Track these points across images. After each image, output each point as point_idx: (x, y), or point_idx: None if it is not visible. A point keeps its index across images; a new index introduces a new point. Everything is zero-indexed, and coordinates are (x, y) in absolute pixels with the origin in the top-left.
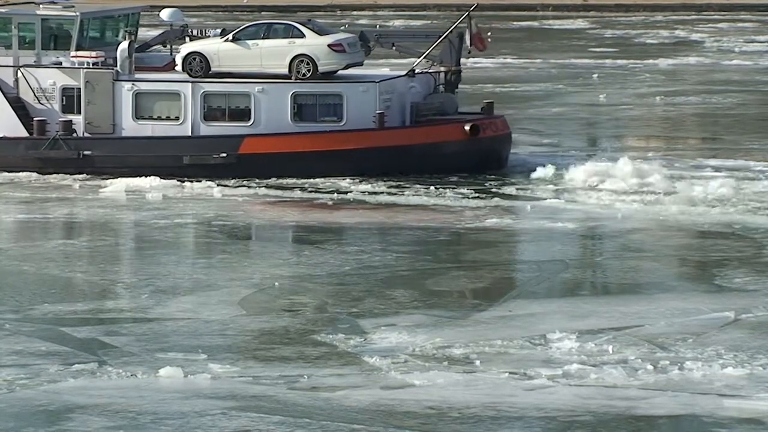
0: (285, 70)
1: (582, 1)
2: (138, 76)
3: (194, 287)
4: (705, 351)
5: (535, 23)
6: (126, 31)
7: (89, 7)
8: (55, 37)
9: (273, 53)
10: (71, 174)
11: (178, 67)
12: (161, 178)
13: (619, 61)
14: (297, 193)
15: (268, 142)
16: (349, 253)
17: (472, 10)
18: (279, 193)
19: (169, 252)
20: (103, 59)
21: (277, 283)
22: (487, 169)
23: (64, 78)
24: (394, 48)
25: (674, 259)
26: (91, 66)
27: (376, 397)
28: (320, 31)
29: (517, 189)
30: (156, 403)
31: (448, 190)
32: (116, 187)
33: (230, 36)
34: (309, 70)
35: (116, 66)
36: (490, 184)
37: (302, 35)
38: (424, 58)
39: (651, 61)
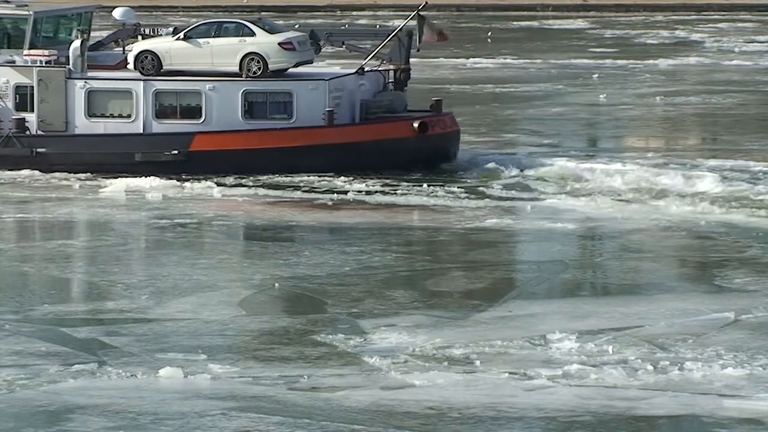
0: (236, 68)
1: (582, 1)
2: (90, 74)
3: (194, 287)
4: (705, 351)
5: (535, 23)
6: (79, 30)
7: (42, 6)
8: (9, 36)
9: (224, 51)
10: (25, 170)
11: (130, 66)
12: (136, 176)
13: (619, 62)
14: (297, 194)
15: (218, 139)
16: (349, 254)
17: (422, 9)
18: (279, 193)
19: (169, 252)
20: (56, 58)
21: (277, 284)
22: (436, 165)
23: (17, 76)
24: (344, 46)
25: (674, 259)
26: (44, 64)
27: (376, 398)
28: (271, 30)
29: (465, 185)
30: (156, 403)
31: (398, 187)
32: (116, 187)
33: (182, 35)
34: (259, 68)
35: (69, 64)
36: (443, 180)
37: (253, 34)
38: (374, 56)
39: (651, 61)
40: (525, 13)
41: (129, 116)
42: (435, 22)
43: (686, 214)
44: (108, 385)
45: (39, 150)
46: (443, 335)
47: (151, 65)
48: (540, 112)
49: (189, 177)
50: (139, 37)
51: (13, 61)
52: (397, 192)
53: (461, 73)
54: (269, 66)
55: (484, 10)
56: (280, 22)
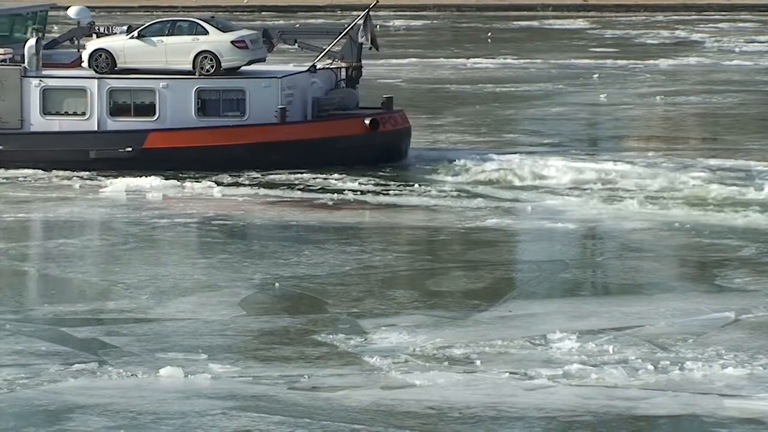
0: (189, 66)
1: (582, 1)
2: (45, 72)
3: (194, 287)
4: (705, 351)
5: (535, 23)
6: (34, 29)
7: None
8: None
9: (177, 50)
10: None
11: (85, 64)
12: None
13: (620, 61)
14: (297, 193)
15: (172, 136)
16: (349, 253)
17: (372, 7)
18: (279, 193)
19: (170, 252)
20: (11, 56)
21: (277, 284)
22: (387, 162)
23: None
24: (296, 44)
25: (674, 259)
26: None
27: (376, 397)
28: (223, 28)
29: (413, 182)
30: (156, 403)
31: (350, 182)
32: (116, 186)
33: (136, 33)
34: (212, 66)
35: (24, 63)
36: (391, 176)
37: (206, 32)
38: (326, 54)
39: (651, 61)
40: (525, 13)
41: (84, 114)
42: (376, 27)
43: (686, 213)
44: (108, 385)
45: None
46: (444, 335)
47: (105, 63)
48: (540, 112)
49: (142, 174)
50: (94, 36)
51: None
52: (402, 193)
53: (461, 73)
54: (222, 64)
55: (484, 10)
56: (281, 22)
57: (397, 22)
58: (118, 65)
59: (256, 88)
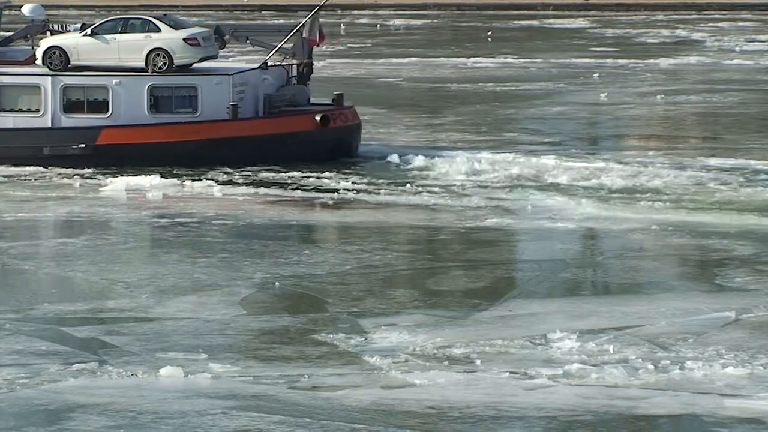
0: (142, 64)
1: (583, 1)
2: None
3: (195, 286)
4: (706, 351)
5: (536, 23)
6: None
7: None
8: None
9: (130, 47)
10: None
11: (39, 61)
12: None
13: (620, 61)
14: (297, 193)
15: (125, 133)
16: (349, 253)
17: (322, 6)
18: (279, 192)
19: (170, 251)
20: None
21: (277, 283)
22: (338, 157)
23: None
24: (248, 41)
25: (674, 258)
26: None
27: (376, 397)
28: (176, 26)
29: (362, 179)
30: (156, 402)
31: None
32: (116, 185)
33: (89, 31)
34: (165, 64)
35: None
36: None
37: (158, 30)
38: (277, 51)
39: (652, 60)
40: (525, 12)
41: (37, 111)
42: (321, 24)
43: (686, 213)
44: (108, 384)
45: None
46: (444, 334)
47: (59, 61)
48: (541, 111)
49: (96, 170)
50: (48, 33)
51: None
52: (402, 193)
53: (462, 72)
54: (174, 61)
55: (484, 9)
56: (281, 21)
57: (398, 22)
58: (72, 62)
59: (208, 85)
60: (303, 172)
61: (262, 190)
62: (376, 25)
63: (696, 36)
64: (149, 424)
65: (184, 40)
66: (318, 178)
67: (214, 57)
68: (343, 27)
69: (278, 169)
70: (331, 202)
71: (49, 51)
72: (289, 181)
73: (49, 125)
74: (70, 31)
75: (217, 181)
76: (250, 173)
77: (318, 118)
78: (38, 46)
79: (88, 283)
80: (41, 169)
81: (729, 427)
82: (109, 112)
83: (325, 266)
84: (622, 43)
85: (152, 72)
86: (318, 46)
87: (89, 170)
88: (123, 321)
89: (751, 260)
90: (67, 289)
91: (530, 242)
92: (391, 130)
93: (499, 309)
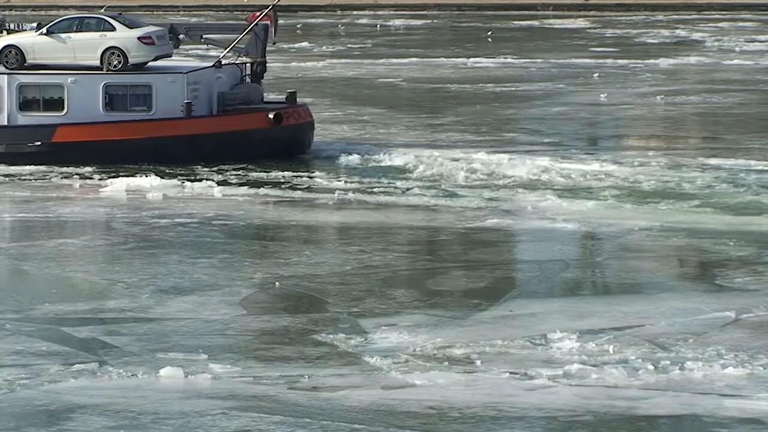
0: (97, 62)
1: (582, 1)
2: None
3: (195, 287)
4: (706, 351)
5: (536, 23)
6: None
7: None
8: None
9: (85, 46)
10: None
11: None
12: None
13: (620, 61)
14: (297, 193)
15: (80, 130)
16: (349, 253)
17: (277, 3)
18: (279, 192)
19: (170, 251)
20: None
21: (277, 283)
22: (291, 155)
23: None
24: (202, 40)
25: (674, 259)
26: None
27: (376, 397)
28: (130, 25)
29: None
30: (157, 403)
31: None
32: (116, 186)
33: (45, 30)
34: (120, 62)
35: None
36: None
37: (113, 28)
38: (231, 49)
39: (652, 60)
40: (525, 12)
41: None
42: (278, 23)
43: (686, 213)
44: (109, 385)
45: None
46: (444, 335)
47: (15, 59)
48: (541, 111)
49: (52, 168)
50: (4, 32)
51: None
52: (402, 193)
53: (462, 72)
54: (129, 60)
55: (484, 9)
56: (281, 21)
57: (398, 22)
58: (28, 61)
59: (162, 83)
60: (296, 173)
61: (262, 191)
62: (376, 26)
63: (696, 36)
64: (149, 425)
65: (138, 39)
66: (310, 177)
67: (168, 55)
68: (341, 27)
69: (274, 169)
70: (330, 203)
71: (5, 50)
72: (290, 182)
73: (6, 123)
74: (26, 30)
75: (216, 182)
76: (256, 174)
77: (271, 116)
78: None
79: (88, 283)
80: (42, 169)
81: (729, 428)
82: (65, 110)
83: (325, 266)
84: (621, 43)
85: (107, 70)
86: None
87: (45, 167)
88: (123, 321)
89: (751, 260)
90: (67, 289)
91: (530, 242)
92: (391, 130)
93: (499, 309)
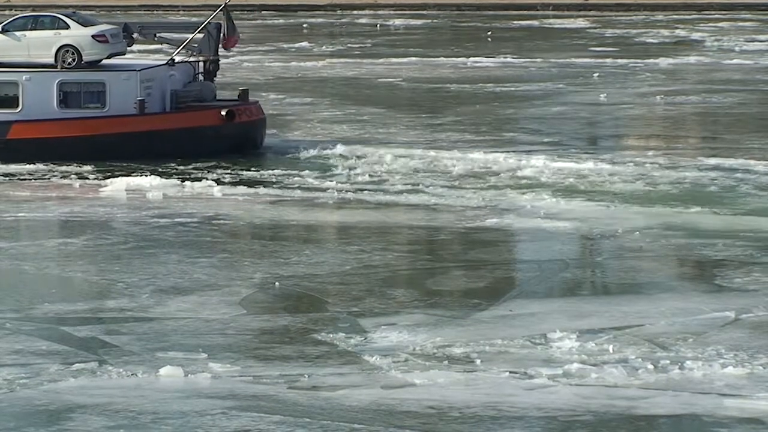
0: (51, 60)
1: (582, 1)
2: None
3: (195, 286)
4: (705, 351)
5: (536, 22)
6: None
7: None
8: None
9: (40, 44)
10: None
11: None
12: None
13: (620, 61)
14: (297, 193)
15: (35, 127)
16: (349, 253)
17: (228, 3)
18: (279, 192)
19: (170, 251)
20: None
21: (277, 283)
22: (243, 151)
23: None
24: (155, 38)
25: (674, 258)
26: None
27: (376, 397)
28: (85, 23)
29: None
30: (156, 402)
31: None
32: (116, 186)
33: (0, 28)
34: (74, 60)
35: None
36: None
37: (67, 27)
38: (184, 47)
39: (651, 60)
40: (525, 12)
41: None
42: (235, 24)
43: (686, 213)
44: (108, 384)
45: None
46: (444, 334)
47: None
48: (540, 111)
49: (7, 164)
50: None
51: None
52: (402, 193)
53: (461, 72)
54: (83, 57)
55: (484, 9)
56: (281, 20)
57: (397, 21)
58: None
59: (115, 80)
60: (296, 173)
61: (262, 190)
62: (376, 25)
63: (696, 36)
64: (149, 425)
65: (92, 37)
66: (309, 177)
67: (122, 53)
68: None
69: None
70: (330, 202)
71: None
72: (290, 181)
73: None
74: None
75: (216, 182)
76: (256, 174)
77: (224, 113)
78: None
79: (88, 283)
80: (41, 168)
81: (729, 427)
82: (20, 107)
83: (325, 266)
84: (621, 43)
85: (61, 68)
86: (227, 49)
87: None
88: (123, 321)
89: (751, 261)
90: (67, 289)
91: (530, 242)
92: (391, 130)
93: (499, 309)
